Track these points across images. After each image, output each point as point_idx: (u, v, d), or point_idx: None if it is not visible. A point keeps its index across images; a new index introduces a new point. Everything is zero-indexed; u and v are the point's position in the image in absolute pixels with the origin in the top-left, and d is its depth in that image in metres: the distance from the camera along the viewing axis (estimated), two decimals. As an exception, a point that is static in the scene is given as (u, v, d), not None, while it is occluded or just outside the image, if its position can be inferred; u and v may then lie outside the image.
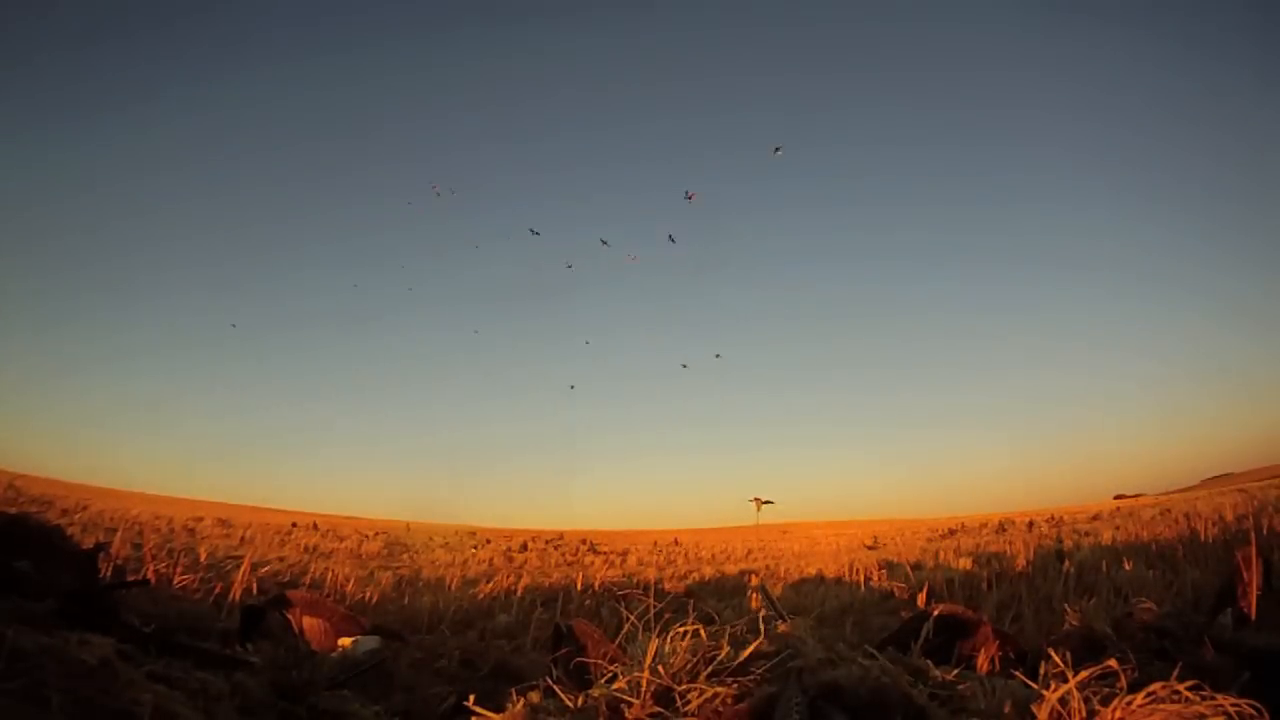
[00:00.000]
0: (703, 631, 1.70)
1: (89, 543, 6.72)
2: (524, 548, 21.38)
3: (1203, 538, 6.87)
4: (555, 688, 1.57)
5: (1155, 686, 1.48)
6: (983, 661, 3.18)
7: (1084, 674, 1.44)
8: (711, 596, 9.22)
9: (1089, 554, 7.44)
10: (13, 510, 10.82)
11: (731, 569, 12.30)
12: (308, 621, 3.88)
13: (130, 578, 5.57)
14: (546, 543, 24.78)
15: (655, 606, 6.79)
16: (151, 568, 5.84)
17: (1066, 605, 5.15)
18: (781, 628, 2.10)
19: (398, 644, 4.17)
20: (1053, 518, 25.43)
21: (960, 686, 1.68)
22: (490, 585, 8.37)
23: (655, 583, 10.25)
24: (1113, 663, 2.13)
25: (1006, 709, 1.52)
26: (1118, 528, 9.80)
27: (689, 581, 10.33)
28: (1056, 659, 1.58)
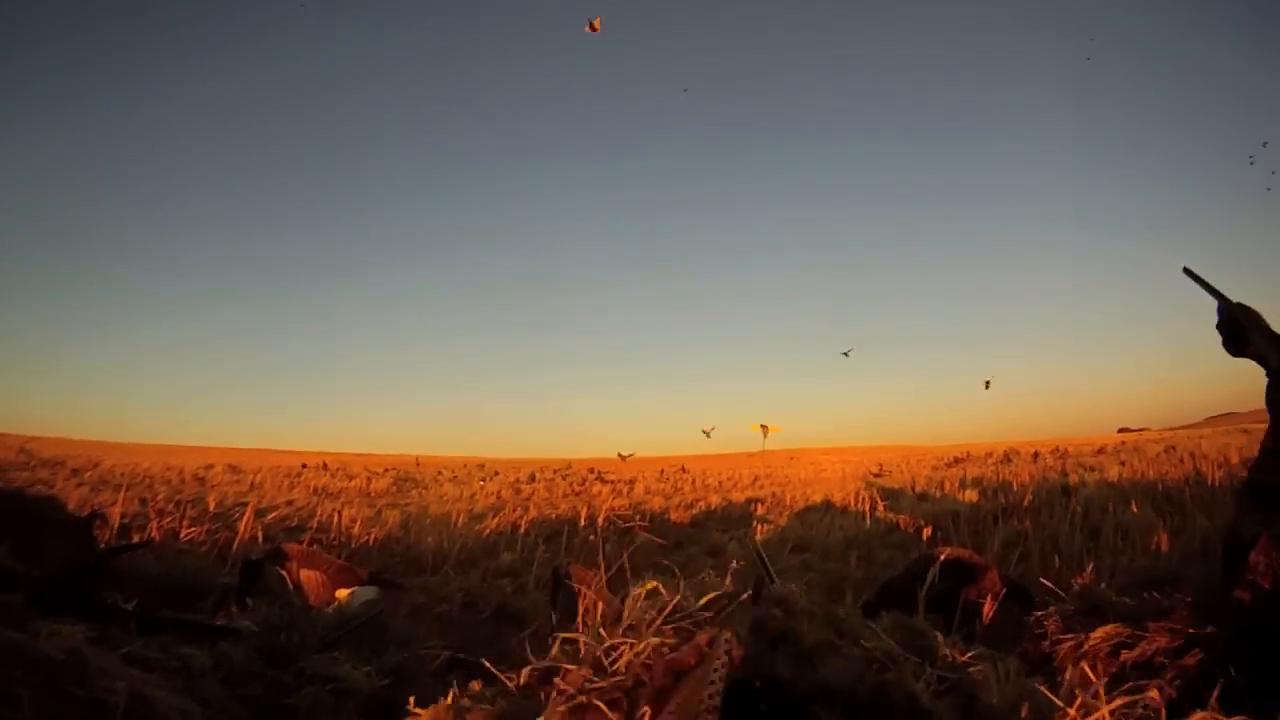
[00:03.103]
0: (660, 589, 1.58)
1: (100, 501, 6.82)
2: (532, 479, 21.51)
3: (1209, 480, 6.81)
4: (494, 671, 1.51)
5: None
6: (989, 608, 3.15)
7: (1118, 701, 1.38)
8: (717, 527, 9.30)
9: (1095, 491, 7.38)
10: (24, 474, 10.95)
11: (738, 497, 12.38)
12: (305, 574, 3.89)
13: (135, 537, 5.63)
14: (555, 473, 24.94)
15: (659, 542, 6.89)
16: (155, 525, 5.87)
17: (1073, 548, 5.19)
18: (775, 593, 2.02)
19: (395, 593, 4.20)
20: (1058, 449, 25.44)
21: (972, 670, 1.63)
22: (496, 520, 8.43)
23: (661, 512, 10.34)
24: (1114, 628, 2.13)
25: (1023, 713, 1.47)
26: (1123, 463, 9.76)
27: (695, 511, 10.40)
28: (1088, 672, 1.52)
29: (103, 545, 5.12)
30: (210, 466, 18.16)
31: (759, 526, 8.28)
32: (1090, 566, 3.30)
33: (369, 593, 3.93)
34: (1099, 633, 2.25)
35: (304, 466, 21.83)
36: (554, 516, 9.50)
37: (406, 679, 2.71)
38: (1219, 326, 2.36)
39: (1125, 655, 2.15)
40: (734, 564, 3.92)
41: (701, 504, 11.28)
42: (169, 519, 6.45)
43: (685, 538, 8.43)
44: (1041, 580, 2.96)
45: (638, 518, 8.84)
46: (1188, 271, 2.59)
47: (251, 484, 14.72)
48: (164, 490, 10.80)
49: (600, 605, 3.02)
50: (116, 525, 5.61)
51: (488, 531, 7.75)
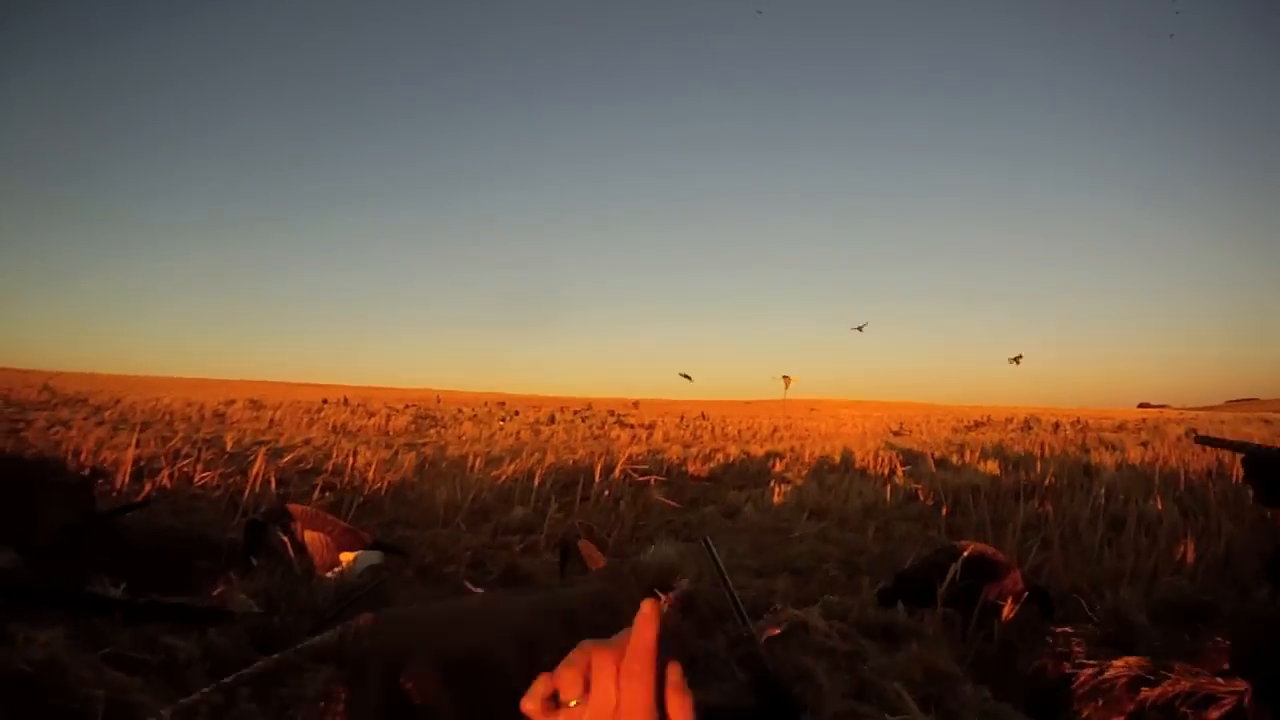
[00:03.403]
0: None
1: (117, 442, 6.81)
2: (551, 420, 21.57)
3: (1233, 476, 6.58)
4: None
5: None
6: (1008, 610, 3.05)
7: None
8: (734, 483, 9.23)
9: (1117, 477, 7.24)
10: (44, 413, 11.02)
11: (757, 450, 12.29)
12: (309, 536, 3.84)
13: (148, 484, 5.63)
14: (575, 414, 25.02)
15: (673, 505, 6.82)
16: (168, 472, 5.86)
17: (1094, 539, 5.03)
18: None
19: (399, 559, 4.14)
20: (1078, 421, 25.38)
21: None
22: (513, 467, 8.38)
23: (679, 463, 10.28)
24: (1138, 662, 2.00)
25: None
26: (1145, 444, 9.52)
27: (713, 464, 10.32)
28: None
29: (113, 497, 5.13)
30: (232, 402, 18.31)
31: (775, 487, 8.17)
32: (1124, 587, 3.15)
33: (373, 557, 3.88)
34: (1120, 664, 2.16)
35: (325, 402, 21.99)
36: (571, 463, 9.45)
37: None
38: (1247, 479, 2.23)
39: (1145, 693, 2.06)
40: (683, 583, 3.81)
41: (720, 456, 11.21)
42: (185, 462, 6.44)
43: (701, 494, 8.36)
44: (1072, 599, 2.83)
45: (654, 471, 8.78)
46: (1202, 439, 2.55)
47: (271, 421, 14.84)
48: (183, 428, 10.88)
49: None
50: (129, 471, 5.59)
51: (503, 478, 7.70)
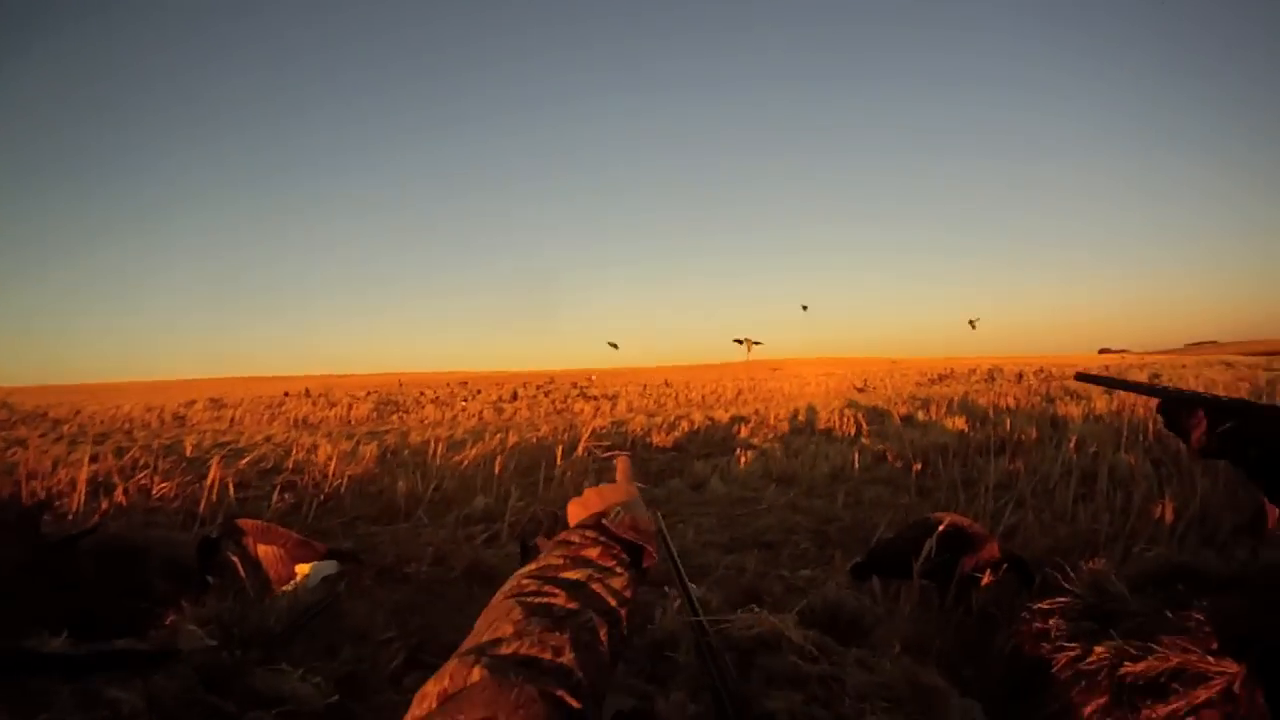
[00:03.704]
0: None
1: (75, 459, 6.71)
2: (514, 396, 21.54)
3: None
4: None
5: None
6: (986, 581, 3.05)
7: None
8: (700, 452, 9.29)
9: (1084, 429, 7.20)
10: (2, 433, 10.79)
11: (722, 415, 12.34)
12: (262, 550, 3.82)
13: (104, 502, 5.58)
14: (538, 388, 24.99)
15: (639, 486, 6.87)
16: (121, 488, 5.81)
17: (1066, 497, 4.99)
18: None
19: (355, 567, 4.15)
20: (1041, 370, 25.56)
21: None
22: (475, 450, 8.38)
23: (643, 434, 10.35)
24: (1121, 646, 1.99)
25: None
26: (1108, 393, 9.61)
27: (677, 433, 10.39)
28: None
29: (69, 520, 5.08)
30: (193, 403, 18.08)
31: (741, 454, 8.23)
32: (1101, 554, 3.16)
33: (328, 568, 3.86)
34: (1102, 648, 2.12)
35: (286, 395, 21.81)
36: (534, 441, 9.48)
37: (359, 686, 2.64)
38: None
39: (1129, 668, 2.02)
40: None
41: (684, 424, 11.26)
42: (142, 474, 6.39)
43: (667, 466, 8.42)
44: (1048, 569, 2.84)
45: (618, 445, 8.85)
46: (1082, 377, 2.42)
47: (232, 420, 14.69)
48: (142, 435, 10.75)
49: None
50: (84, 492, 5.53)
51: (465, 463, 7.71)
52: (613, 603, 0.90)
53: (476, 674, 0.68)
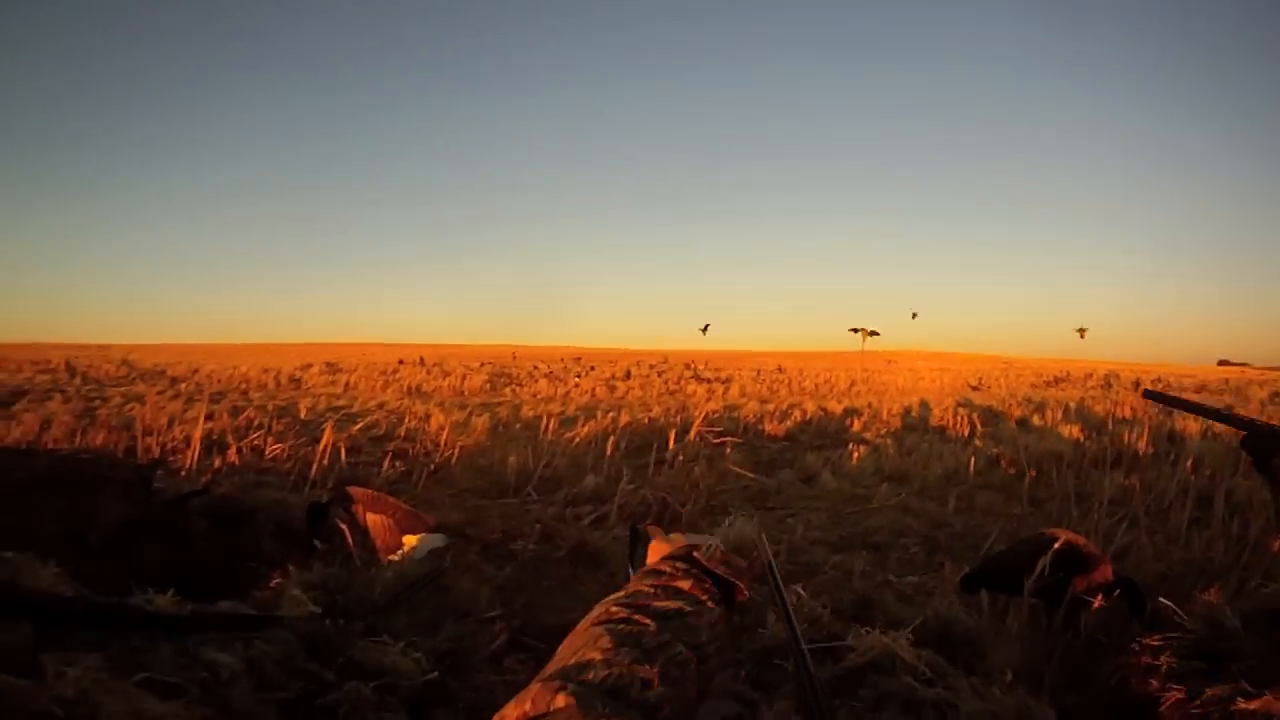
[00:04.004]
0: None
1: (190, 416, 6.85)
2: (627, 375, 21.46)
3: None
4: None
5: None
6: (1097, 602, 2.81)
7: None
8: (812, 443, 8.95)
9: (1203, 447, 6.73)
10: (121, 389, 11.25)
11: (835, 407, 11.94)
12: (371, 518, 3.73)
13: (217, 460, 5.63)
14: (650, 368, 24.89)
15: (749, 476, 6.55)
16: (235, 448, 5.85)
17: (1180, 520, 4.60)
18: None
19: (462, 541, 4.02)
20: (1159, 379, 24.50)
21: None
22: (587, 428, 8.25)
23: (755, 421, 10.03)
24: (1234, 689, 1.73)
25: None
26: (1229, 409, 8.82)
27: (789, 423, 10.03)
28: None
29: (181, 477, 5.12)
30: (308, 366, 18.59)
31: (854, 449, 7.84)
32: (1215, 589, 2.81)
33: (436, 540, 3.77)
34: (1214, 692, 1.90)
35: (400, 362, 22.25)
36: (646, 421, 9.31)
37: (460, 664, 2.50)
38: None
39: (1241, 705, 1.80)
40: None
41: (797, 413, 10.93)
42: (256, 434, 6.45)
43: (778, 455, 8.12)
44: (1163, 600, 2.54)
45: (730, 431, 8.58)
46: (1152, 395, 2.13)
47: (346, 385, 15.00)
48: (258, 397, 11.03)
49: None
50: (198, 449, 5.58)
51: (576, 440, 7.57)
52: (703, 638, 0.87)
53: (561, 700, 0.66)
